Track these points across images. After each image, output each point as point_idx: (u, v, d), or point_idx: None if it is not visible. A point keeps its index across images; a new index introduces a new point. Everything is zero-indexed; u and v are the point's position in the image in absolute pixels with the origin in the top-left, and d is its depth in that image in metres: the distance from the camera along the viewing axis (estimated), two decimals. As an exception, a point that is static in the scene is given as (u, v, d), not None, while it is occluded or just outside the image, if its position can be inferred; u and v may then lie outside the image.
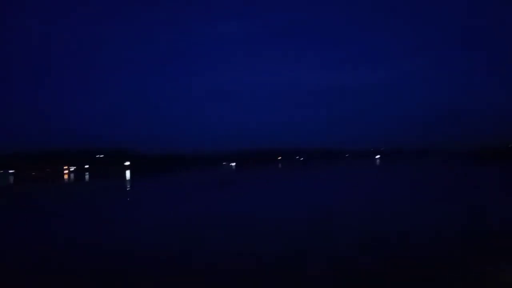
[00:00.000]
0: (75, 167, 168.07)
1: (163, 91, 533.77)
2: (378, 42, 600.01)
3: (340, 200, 26.60)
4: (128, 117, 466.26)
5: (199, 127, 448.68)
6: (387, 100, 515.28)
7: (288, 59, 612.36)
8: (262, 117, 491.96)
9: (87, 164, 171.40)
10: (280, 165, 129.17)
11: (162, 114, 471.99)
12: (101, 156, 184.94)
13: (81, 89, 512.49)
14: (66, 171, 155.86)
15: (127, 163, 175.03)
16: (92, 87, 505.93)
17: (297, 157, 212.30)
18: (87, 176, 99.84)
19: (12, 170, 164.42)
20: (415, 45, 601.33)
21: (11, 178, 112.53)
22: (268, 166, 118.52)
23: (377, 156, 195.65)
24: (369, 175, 58.54)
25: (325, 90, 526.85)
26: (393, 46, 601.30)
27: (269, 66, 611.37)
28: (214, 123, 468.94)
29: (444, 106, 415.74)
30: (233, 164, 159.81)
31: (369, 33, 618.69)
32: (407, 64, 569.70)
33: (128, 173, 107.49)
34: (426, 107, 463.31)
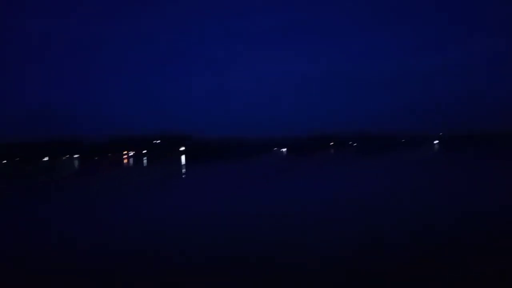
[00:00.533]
0: (133, 152, 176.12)
1: (218, 79, 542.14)
2: (441, 23, 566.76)
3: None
4: (183, 104, 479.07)
5: (251, 113, 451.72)
6: (446, 85, 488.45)
7: (343, 45, 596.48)
8: (313, 103, 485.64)
9: (144, 150, 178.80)
10: (332, 151, 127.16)
11: (214, 100, 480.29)
12: (157, 141, 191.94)
13: (138, 78, 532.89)
14: (125, 156, 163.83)
15: (182, 148, 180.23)
16: (147, 77, 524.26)
17: (350, 142, 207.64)
18: (145, 161, 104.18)
19: (77, 155, 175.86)
20: (483, 26, 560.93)
21: (76, 162, 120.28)
22: (321, 152, 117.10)
23: (436, 142, 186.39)
24: (437, 162, 54.24)
25: (379, 76, 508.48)
26: (457, 28, 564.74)
27: (324, 52, 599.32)
28: (265, 109, 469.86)
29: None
30: (284, 149, 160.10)
31: (431, 15, 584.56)
32: (472, 46, 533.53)
33: (183, 158, 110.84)
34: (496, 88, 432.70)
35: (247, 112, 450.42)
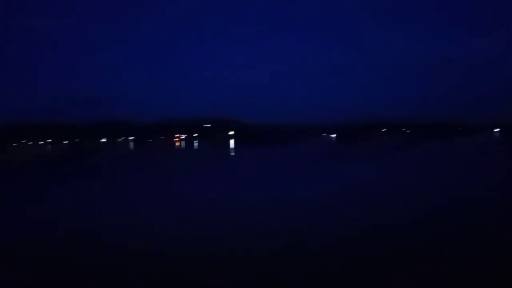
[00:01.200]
0: (185, 135, 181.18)
1: (267, 62, 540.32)
2: (489, 8, 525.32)
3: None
4: (233, 87, 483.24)
5: (301, 98, 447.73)
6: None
7: (393, 31, 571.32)
8: (363, 89, 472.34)
9: (195, 133, 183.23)
10: (384, 138, 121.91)
11: (263, 84, 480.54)
12: (208, 125, 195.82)
13: (190, 63, 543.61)
14: (177, 139, 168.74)
15: (231, 132, 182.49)
16: (200, 60, 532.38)
17: (403, 129, 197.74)
18: (195, 144, 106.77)
19: (132, 137, 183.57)
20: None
21: (131, 144, 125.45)
22: (372, 138, 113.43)
23: (496, 130, 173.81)
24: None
25: (432, 62, 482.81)
26: None
27: (374, 39, 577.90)
28: (315, 94, 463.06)
29: None
30: (333, 136, 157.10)
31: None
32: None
33: (232, 142, 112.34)
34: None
35: (296, 97, 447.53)
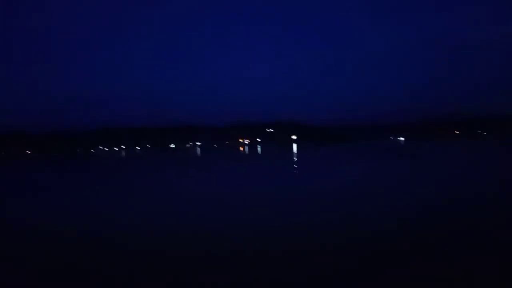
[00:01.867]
0: (248, 140, 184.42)
1: (331, 64, 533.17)
2: None
3: None
4: (295, 92, 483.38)
5: (366, 98, 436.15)
6: None
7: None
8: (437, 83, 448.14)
9: (258, 137, 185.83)
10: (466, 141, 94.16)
11: (322, 87, 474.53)
12: (270, 130, 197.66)
13: (252, 72, 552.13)
14: (241, 144, 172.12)
15: (294, 136, 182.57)
16: (260, 68, 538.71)
17: (479, 131, 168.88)
18: (259, 148, 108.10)
19: (199, 142, 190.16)
20: None
21: (198, 149, 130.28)
22: (445, 140, 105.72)
23: None
24: None
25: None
26: None
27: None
28: (380, 94, 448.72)
29: None
30: (402, 138, 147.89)
31: None
32: None
33: (295, 146, 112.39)
34: None
35: (359, 98, 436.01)
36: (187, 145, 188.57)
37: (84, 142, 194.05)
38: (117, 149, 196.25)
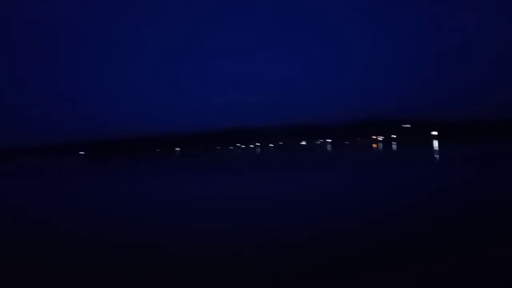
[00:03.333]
0: (382, 137, 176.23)
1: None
2: None
3: None
4: (432, 85, 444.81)
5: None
6: None
7: None
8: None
9: (393, 134, 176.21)
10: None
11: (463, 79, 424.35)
12: (407, 126, 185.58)
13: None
14: (374, 141, 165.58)
15: (434, 132, 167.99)
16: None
17: None
18: (394, 146, 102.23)
19: (329, 140, 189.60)
20: None
21: (329, 146, 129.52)
22: None
23: None
24: None
25: None
26: None
27: None
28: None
29: None
30: None
31: None
32: None
33: (435, 143, 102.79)
34: None
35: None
36: (317, 142, 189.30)
37: (222, 140, 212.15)
38: (252, 146, 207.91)
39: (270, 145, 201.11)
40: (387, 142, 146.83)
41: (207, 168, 51.16)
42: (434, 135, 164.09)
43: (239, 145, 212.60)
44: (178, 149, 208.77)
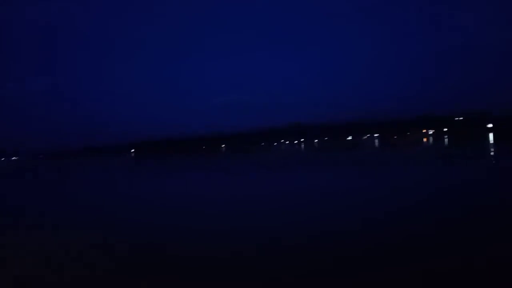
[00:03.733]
0: (433, 131, 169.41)
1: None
2: None
3: None
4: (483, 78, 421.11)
5: None
6: None
7: None
8: None
9: (445, 128, 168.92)
10: None
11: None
12: (460, 118, 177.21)
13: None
14: (425, 135, 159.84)
15: (490, 125, 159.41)
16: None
17: None
18: (446, 140, 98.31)
19: (377, 134, 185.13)
20: None
21: (376, 142, 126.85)
22: None
23: None
24: None
25: None
26: None
27: None
28: None
29: None
30: None
31: None
32: None
33: (491, 136, 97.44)
34: None
35: None
36: (364, 137, 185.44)
37: (270, 137, 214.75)
38: (296, 142, 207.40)
39: (315, 141, 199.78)
40: (438, 136, 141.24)
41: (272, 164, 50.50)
42: (489, 127, 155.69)
43: (283, 141, 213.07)
44: (223, 145, 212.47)
